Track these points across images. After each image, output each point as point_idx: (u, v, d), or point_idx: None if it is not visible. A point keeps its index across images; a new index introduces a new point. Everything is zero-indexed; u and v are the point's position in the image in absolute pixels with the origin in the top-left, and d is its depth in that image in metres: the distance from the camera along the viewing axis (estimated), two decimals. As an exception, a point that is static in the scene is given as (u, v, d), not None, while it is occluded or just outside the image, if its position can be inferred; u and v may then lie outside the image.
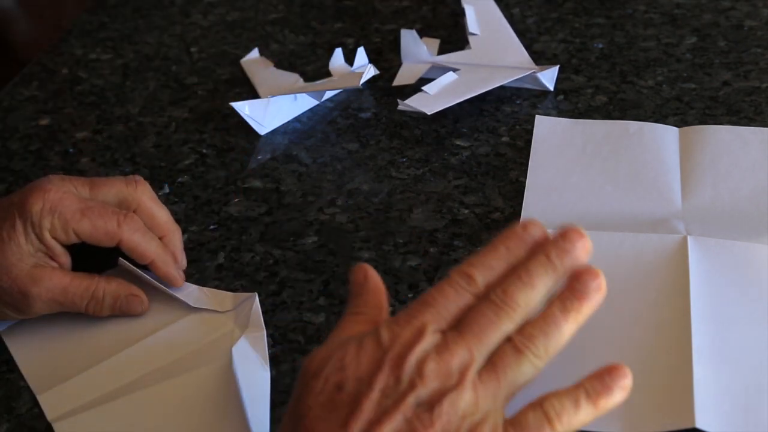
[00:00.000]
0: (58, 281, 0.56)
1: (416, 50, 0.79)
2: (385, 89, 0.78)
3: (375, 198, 0.67)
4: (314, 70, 0.82)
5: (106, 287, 0.57)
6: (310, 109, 0.77)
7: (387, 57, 0.82)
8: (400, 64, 0.80)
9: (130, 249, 0.57)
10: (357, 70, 0.78)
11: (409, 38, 0.78)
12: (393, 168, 0.70)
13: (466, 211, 0.65)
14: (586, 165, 0.66)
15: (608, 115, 0.72)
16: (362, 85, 0.75)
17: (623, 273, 0.57)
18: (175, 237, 0.60)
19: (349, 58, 0.80)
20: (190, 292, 0.60)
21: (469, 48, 0.78)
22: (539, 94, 0.76)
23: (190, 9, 0.94)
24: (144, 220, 0.58)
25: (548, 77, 0.75)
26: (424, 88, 0.72)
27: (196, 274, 0.62)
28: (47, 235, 0.55)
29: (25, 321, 0.58)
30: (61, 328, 0.58)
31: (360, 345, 0.43)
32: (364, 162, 0.70)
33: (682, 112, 0.72)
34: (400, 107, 0.72)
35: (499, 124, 0.73)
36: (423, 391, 0.41)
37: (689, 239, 0.58)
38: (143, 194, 0.58)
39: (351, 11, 0.91)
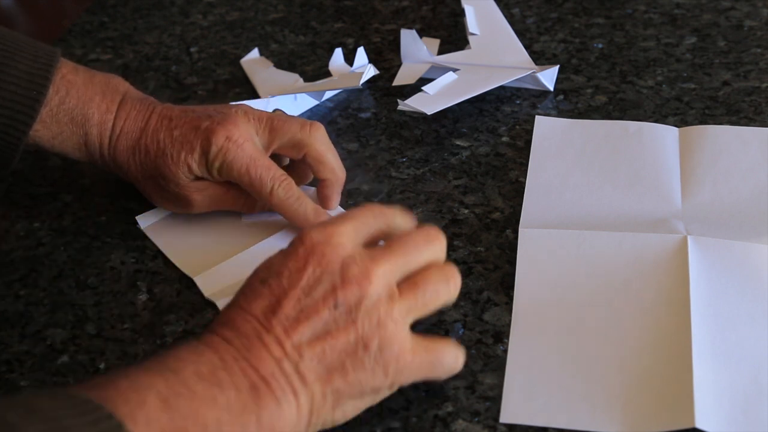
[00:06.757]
0: (214, 190, 0.63)
1: (416, 50, 0.79)
2: (385, 89, 0.78)
3: (375, 198, 0.67)
4: (314, 70, 0.82)
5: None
6: (310, 109, 0.77)
7: (387, 57, 0.82)
8: (400, 64, 0.80)
9: (278, 211, 0.62)
10: (357, 70, 0.78)
11: (409, 38, 0.78)
12: (393, 168, 0.70)
13: (466, 211, 0.65)
14: (586, 165, 0.66)
15: (608, 115, 0.72)
16: (362, 85, 0.75)
17: (623, 273, 0.57)
18: (337, 183, 0.63)
19: (349, 58, 0.80)
20: None
21: (469, 48, 0.78)
22: (539, 94, 0.76)
23: (189, 9, 0.94)
24: (311, 163, 0.62)
25: (548, 77, 0.75)
26: (424, 88, 0.72)
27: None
28: (214, 172, 0.61)
29: (164, 220, 0.66)
30: (196, 225, 0.65)
31: (288, 246, 0.45)
32: (364, 162, 0.70)
33: (681, 112, 0.72)
34: (400, 107, 0.72)
35: (499, 124, 0.73)
36: (342, 294, 0.43)
37: (689, 239, 0.58)
38: (315, 139, 0.62)
39: (351, 11, 0.91)
